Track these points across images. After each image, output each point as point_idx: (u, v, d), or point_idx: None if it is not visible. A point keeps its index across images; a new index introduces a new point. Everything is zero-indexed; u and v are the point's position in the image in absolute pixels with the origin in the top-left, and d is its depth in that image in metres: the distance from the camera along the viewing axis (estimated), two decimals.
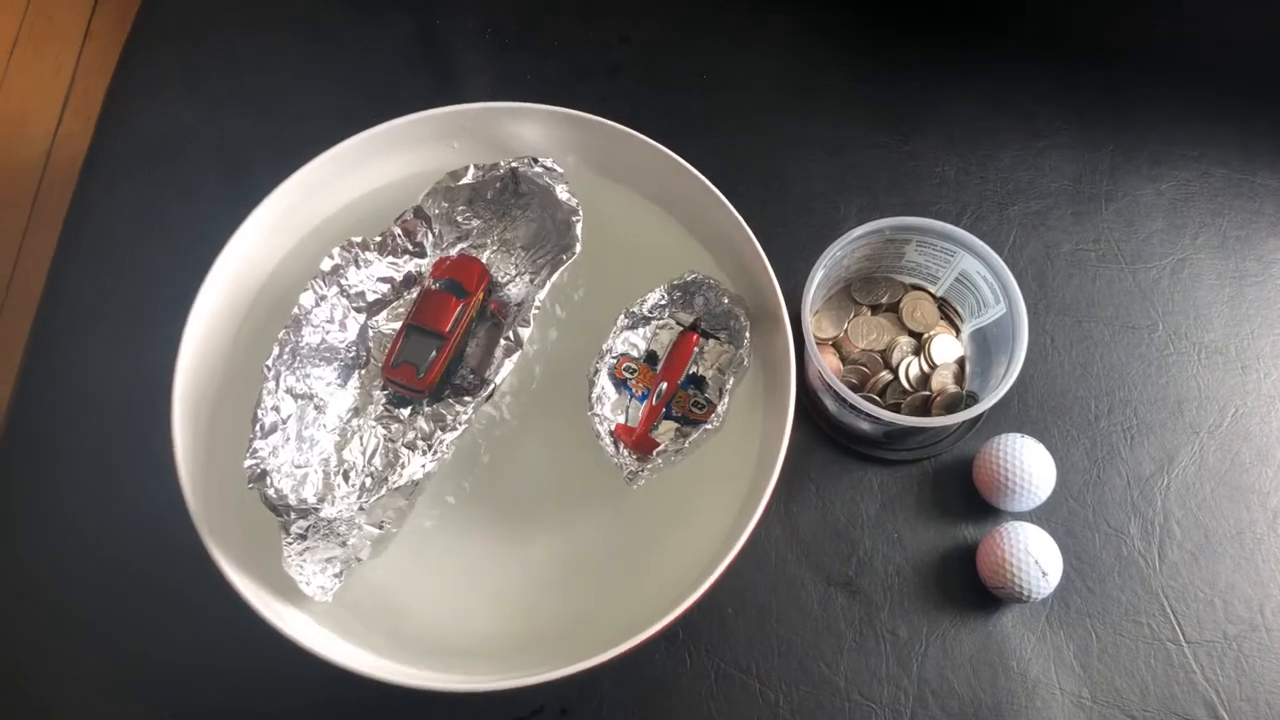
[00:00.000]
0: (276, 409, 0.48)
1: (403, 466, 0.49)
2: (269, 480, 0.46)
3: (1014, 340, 0.51)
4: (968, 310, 0.56)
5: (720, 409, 0.50)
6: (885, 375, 0.56)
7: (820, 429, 0.57)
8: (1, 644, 0.54)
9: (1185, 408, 0.57)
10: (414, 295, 0.53)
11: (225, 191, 0.53)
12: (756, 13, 0.66)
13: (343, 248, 0.51)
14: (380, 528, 0.49)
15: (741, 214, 0.53)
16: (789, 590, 0.54)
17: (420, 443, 0.50)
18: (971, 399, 0.55)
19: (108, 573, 0.54)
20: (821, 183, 0.62)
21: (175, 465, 0.48)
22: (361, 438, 0.51)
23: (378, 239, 0.52)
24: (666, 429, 0.52)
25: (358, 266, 0.51)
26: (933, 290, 0.57)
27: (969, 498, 0.55)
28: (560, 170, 0.52)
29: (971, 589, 0.54)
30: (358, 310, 0.52)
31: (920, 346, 0.56)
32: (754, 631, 0.53)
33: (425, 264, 0.53)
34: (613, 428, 0.51)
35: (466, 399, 0.49)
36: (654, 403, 0.52)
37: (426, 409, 0.50)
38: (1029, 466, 0.53)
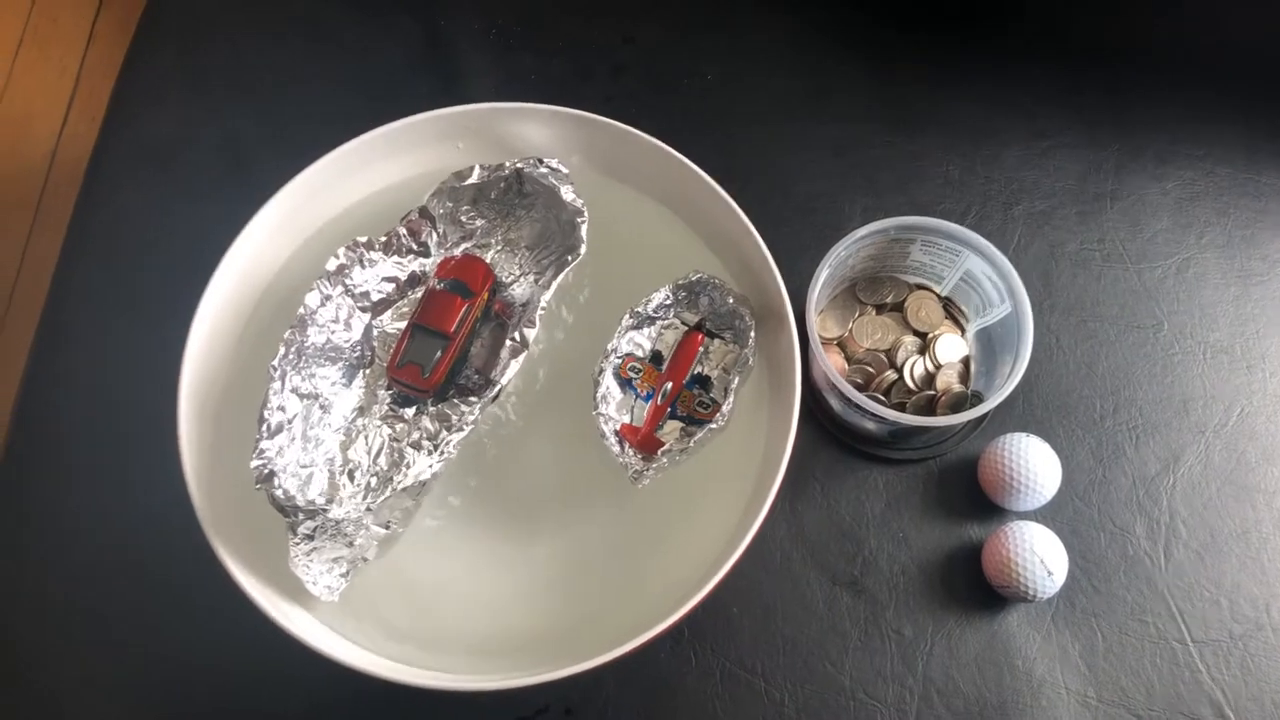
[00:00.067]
0: (282, 409, 0.48)
1: (408, 466, 0.49)
2: (276, 480, 0.46)
3: (1019, 340, 0.51)
4: (972, 310, 0.56)
5: (725, 408, 0.50)
6: (890, 375, 0.56)
7: (825, 429, 0.57)
8: (7, 643, 0.54)
9: (1191, 407, 0.57)
10: (419, 295, 0.53)
11: (230, 192, 0.53)
12: (760, 13, 0.66)
13: (348, 248, 0.51)
14: (387, 528, 0.49)
15: (746, 213, 0.53)
16: (794, 589, 0.54)
17: (426, 443, 0.50)
18: (976, 398, 0.55)
19: (113, 572, 0.54)
20: (826, 182, 0.62)
21: (181, 465, 0.49)
22: (366, 437, 0.51)
23: (383, 239, 0.52)
24: (671, 429, 0.52)
25: (363, 266, 0.51)
26: (937, 290, 0.57)
27: (974, 497, 0.55)
28: (565, 171, 0.52)
29: (977, 588, 0.54)
30: (363, 310, 0.52)
31: (925, 346, 0.56)
32: (759, 631, 0.53)
33: (430, 264, 0.53)
34: (618, 427, 0.51)
35: (472, 399, 0.49)
36: (659, 402, 0.52)
37: (431, 409, 0.51)
38: (1034, 466, 0.53)
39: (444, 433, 0.49)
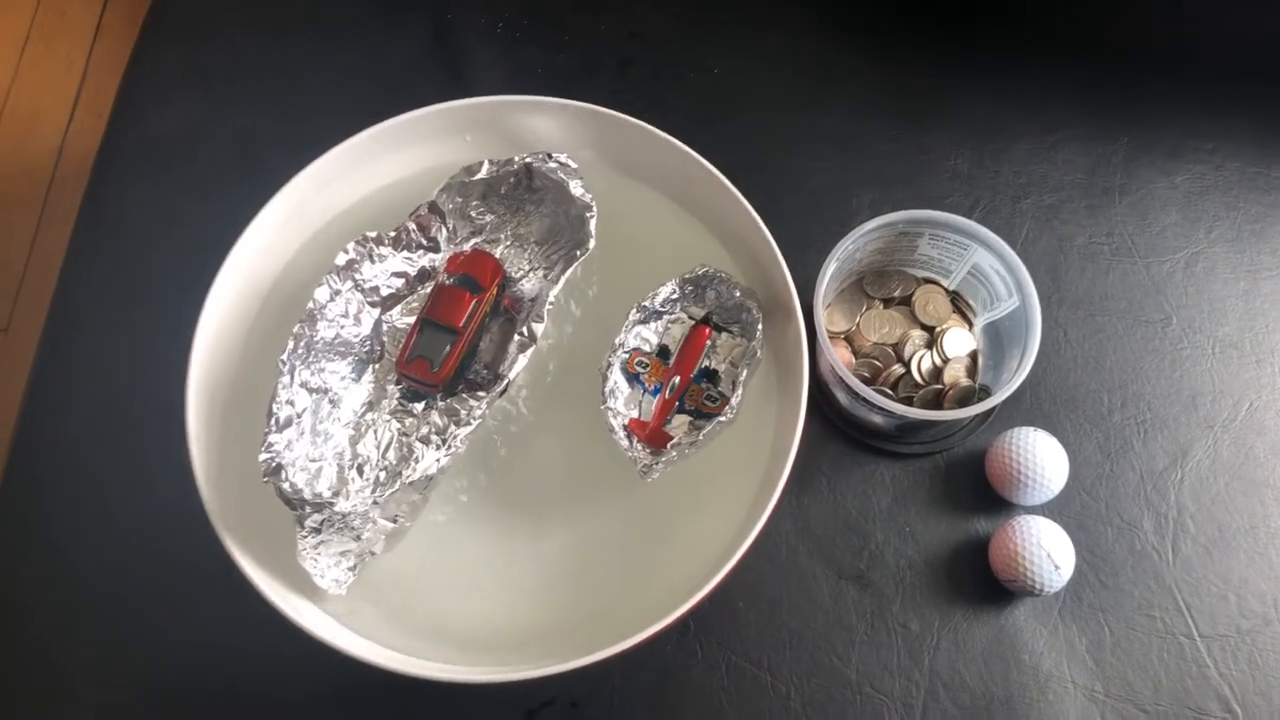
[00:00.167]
0: (291, 403, 0.48)
1: (416, 461, 0.49)
2: (284, 474, 0.47)
3: (1027, 334, 0.51)
4: (980, 304, 0.56)
5: (733, 402, 0.50)
6: (897, 369, 0.56)
7: (832, 422, 0.57)
8: (13, 641, 0.54)
9: (1199, 402, 0.57)
10: (428, 290, 0.53)
11: (238, 187, 0.53)
12: (766, 6, 0.66)
13: (357, 242, 0.51)
14: (394, 521, 0.50)
15: (753, 207, 0.53)
16: (800, 583, 0.54)
17: (434, 437, 0.50)
18: (984, 392, 0.55)
19: (122, 565, 0.54)
20: (833, 176, 0.62)
21: (190, 459, 0.49)
22: (375, 432, 0.51)
23: (392, 234, 0.52)
24: (680, 423, 0.52)
25: (372, 261, 0.52)
26: (945, 284, 0.57)
27: (981, 491, 0.55)
28: (574, 166, 0.52)
29: (984, 582, 0.54)
30: (372, 305, 0.52)
31: (933, 340, 0.56)
32: (765, 624, 0.54)
33: (439, 259, 0.53)
34: (626, 422, 0.51)
35: (480, 394, 0.49)
36: (667, 396, 0.52)
37: (440, 404, 0.51)
38: (1042, 460, 0.53)
39: (452, 427, 0.49)
